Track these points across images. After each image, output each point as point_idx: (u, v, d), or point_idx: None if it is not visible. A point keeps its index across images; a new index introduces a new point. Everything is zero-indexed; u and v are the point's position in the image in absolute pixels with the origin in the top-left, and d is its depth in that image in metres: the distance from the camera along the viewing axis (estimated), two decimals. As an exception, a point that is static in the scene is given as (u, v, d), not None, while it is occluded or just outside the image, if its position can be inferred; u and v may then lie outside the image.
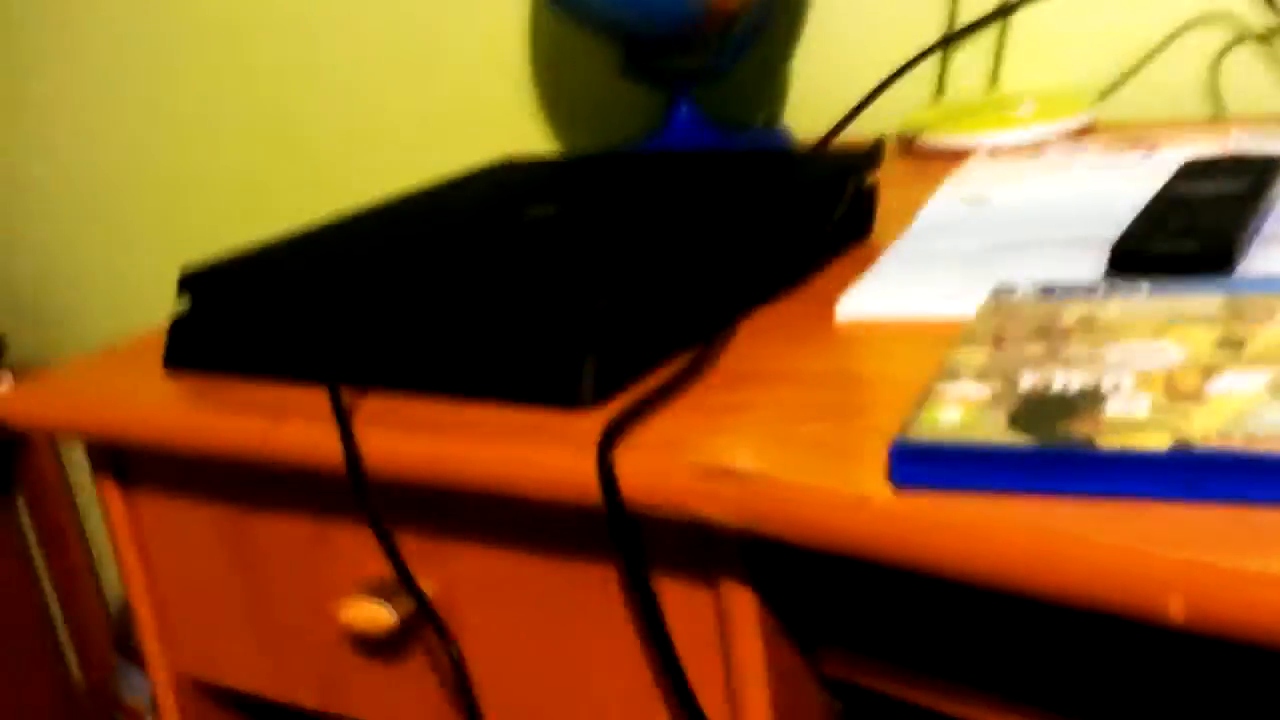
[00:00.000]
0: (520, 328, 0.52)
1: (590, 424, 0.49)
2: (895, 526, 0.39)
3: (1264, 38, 0.87)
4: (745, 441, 0.45)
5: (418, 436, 0.51)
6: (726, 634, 0.49)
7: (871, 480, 0.41)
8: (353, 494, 0.59)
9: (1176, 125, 0.84)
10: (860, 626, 0.51)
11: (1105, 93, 0.93)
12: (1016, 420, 0.41)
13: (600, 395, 0.51)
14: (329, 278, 0.60)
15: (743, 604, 0.48)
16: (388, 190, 1.31)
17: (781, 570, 0.50)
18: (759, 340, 0.56)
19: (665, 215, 0.61)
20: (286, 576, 0.64)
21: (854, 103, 0.82)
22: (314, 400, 0.57)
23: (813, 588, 0.51)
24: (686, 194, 0.64)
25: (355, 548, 0.61)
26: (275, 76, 1.34)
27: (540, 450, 0.48)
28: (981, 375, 0.44)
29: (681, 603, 0.50)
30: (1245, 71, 0.88)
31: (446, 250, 0.61)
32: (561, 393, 0.51)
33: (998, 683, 0.48)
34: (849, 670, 0.51)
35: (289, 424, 0.55)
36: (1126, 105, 0.93)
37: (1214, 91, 0.89)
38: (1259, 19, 0.86)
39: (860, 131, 1.00)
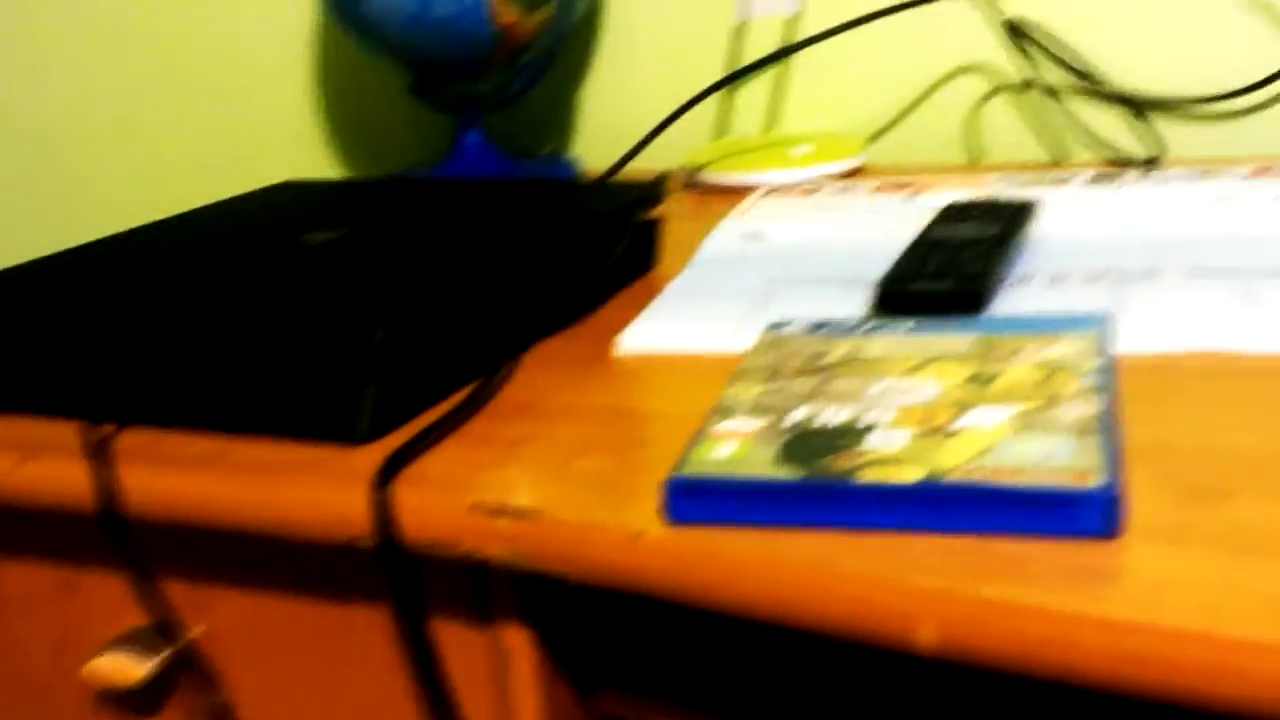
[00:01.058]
0: (295, 357, 0.51)
1: (367, 460, 0.48)
2: (668, 561, 0.40)
3: (1019, 89, 0.93)
4: (523, 478, 0.45)
5: (181, 474, 0.49)
6: (503, 675, 0.49)
7: (647, 516, 0.42)
8: (106, 537, 0.56)
9: (939, 170, 0.89)
10: (638, 667, 0.52)
11: (875, 137, 0.98)
12: (785, 455, 0.42)
13: (378, 430, 0.50)
14: (86, 302, 0.57)
15: (520, 644, 0.48)
16: (163, 216, 1.26)
17: (560, 610, 0.50)
18: (541, 373, 0.56)
19: (449, 244, 0.60)
20: (34, 629, 0.61)
21: (641, 136, 0.84)
22: (68, 435, 0.54)
23: (591, 628, 0.51)
24: (471, 222, 0.64)
25: (110, 596, 0.58)
26: (35, 94, 1.27)
27: (314, 487, 0.47)
28: (754, 410, 0.46)
29: (458, 643, 0.50)
30: (1002, 120, 0.93)
31: (217, 275, 0.59)
32: (338, 427, 0.50)
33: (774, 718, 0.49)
34: (626, 710, 0.52)
35: (37, 461, 0.52)
36: (895, 149, 0.97)
37: (974, 138, 0.95)
38: (1015, 70, 0.92)
39: (647, 165, 1.02)
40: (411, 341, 0.52)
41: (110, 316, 0.55)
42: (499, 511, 0.43)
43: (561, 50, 1.06)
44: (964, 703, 0.46)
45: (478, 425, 0.51)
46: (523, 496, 0.44)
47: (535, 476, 0.45)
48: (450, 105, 0.95)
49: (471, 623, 0.49)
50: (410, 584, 0.46)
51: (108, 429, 0.54)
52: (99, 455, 0.51)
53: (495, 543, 0.43)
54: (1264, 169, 0.78)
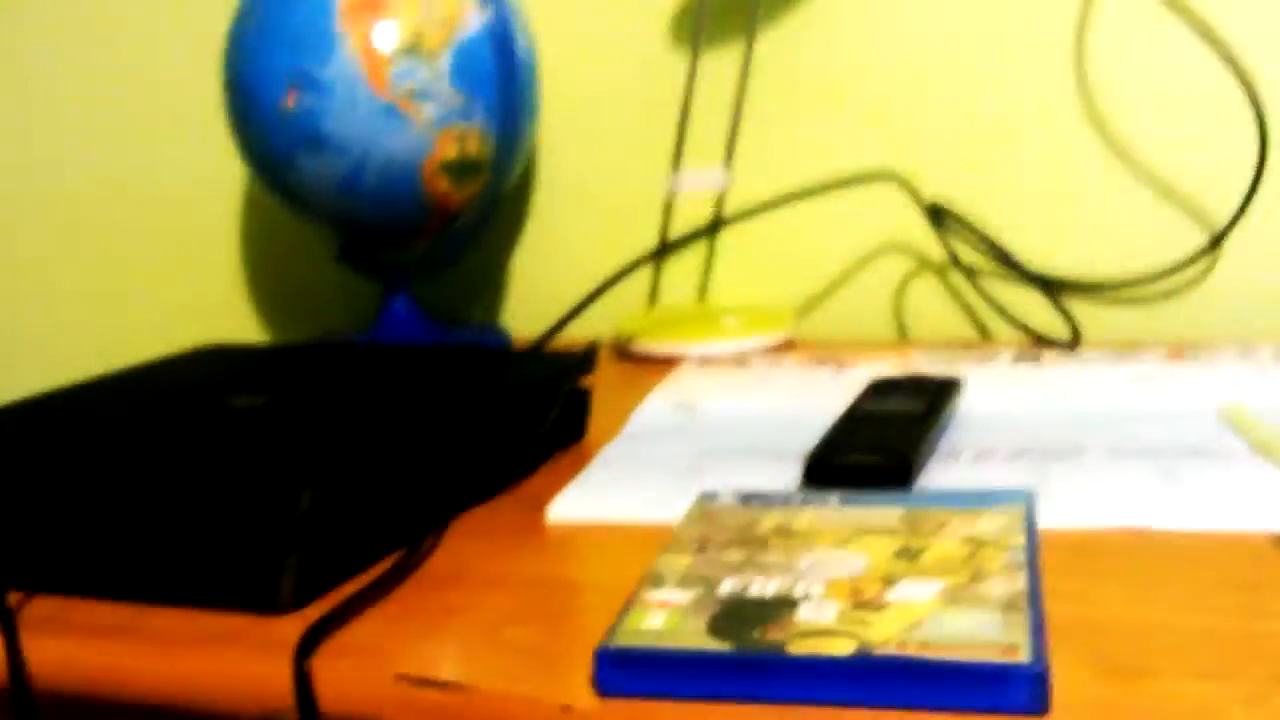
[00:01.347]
0: (215, 524, 0.50)
1: (288, 630, 0.47)
2: (595, 736, 0.39)
3: (941, 268, 0.96)
4: (449, 649, 0.44)
5: (92, 645, 0.48)
6: None
7: (576, 687, 0.41)
8: (15, 713, 0.54)
9: (867, 345, 0.91)
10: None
11: (804, 310, 1.00)
12: (715, 626, 0.42)
13: (300, 599, 0.49)
14: None
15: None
16: (82, 377, 1.24)
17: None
18: (469, 542, 0.56)
19: (375, 410, 0.60)
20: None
21: (572, 304, 0.85)
22: (-19, 601, 0.52)
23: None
24: (399, 389, 0.64)
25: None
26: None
27: (233, 659, 0.46)
28: (684, 581, 0.46)
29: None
30: (927, 297, 0.96)
31: (136, 438, 0.58)
32: (259, 596, 0.49)
33: None
34: None
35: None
36: (823, 323, 1.00)
37: (900, 314, 0.97)
38: (937, 251, 0.96)
39: (577, 335, 1.03)
40: (336, 508, 0.51)
41: (22, 478, 0.54)
42: (424, 683, 0.42)
43: (492, 218, 1.08)
44: None
45: (403, 595, 0.50)
46: (449, 668, 0.43)
47: (462, 647, 0.45)
48: (379, 271, 0.96)
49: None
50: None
51: (15, 597, 0.52)
52: (4, 625, 0.49)
53: (419, 716, 0.42)
54: (1179, 351, 0.81)
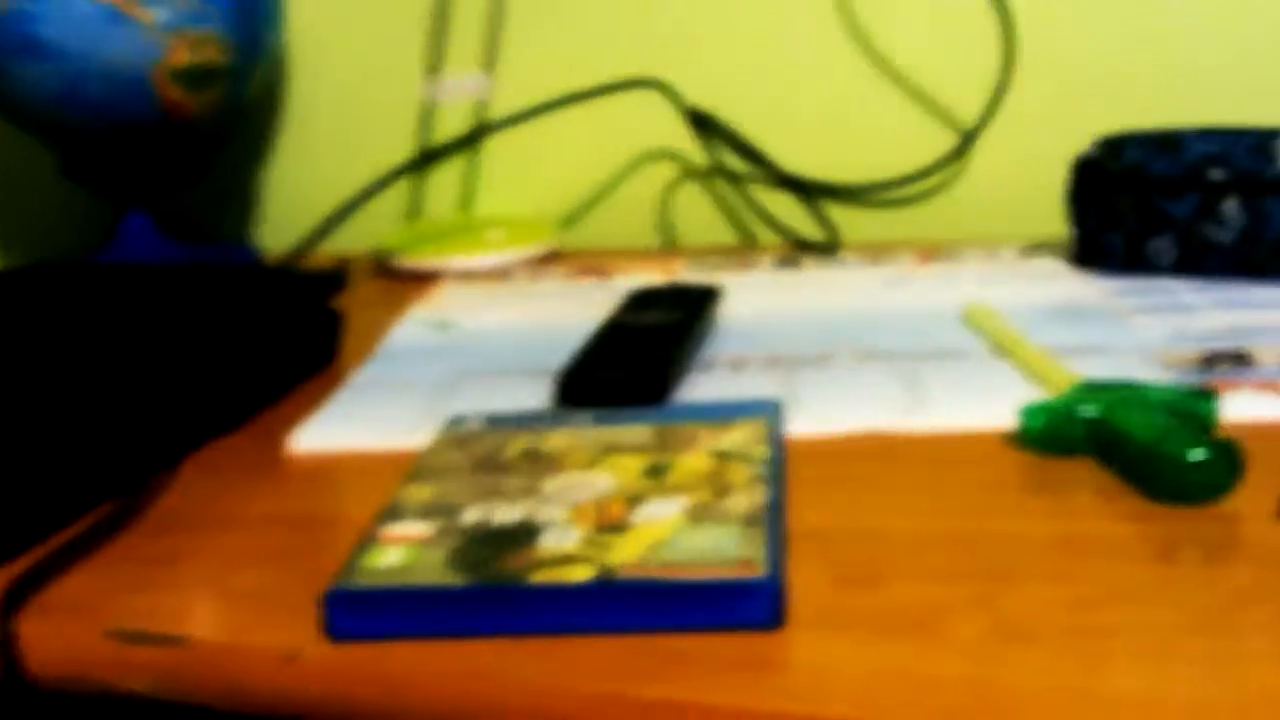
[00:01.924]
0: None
1: (-5, 586, 0.44)
2: (326, 683, 0.38)
3: (705, 175, 0.96)
4: (170, 600, 0.42)
5: None
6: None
7: (306, 634, 0.39)
8: None
9: (631, 254, 0.91)
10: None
11: (568, 221, 0.99)
12: (455, 559, 0.41)
13: (4, 553, 0.45)
14: None
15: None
16: None
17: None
18: (203, 480, 0.52)
19: (96, 338, 0.56)
20: None
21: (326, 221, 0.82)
22: None
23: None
24: (126, 314, 0.60)
25: None
26: None
27: (-71, 622, 0.42)
28: (425, 513, 0.44)
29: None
30: (692, 205, 0.96)
31: None
32: (-38, 551, 0.45)
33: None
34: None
35: None
36: (588, 234, 0.98)
37: (666, 223, 0.97)
38: (700, 157, 0.95)
39: (336, 252, 0.99)
40: (42, 451, 0.47)
41: None
42: (138, 638, 0.40)
43: (237, 130, 1.02)
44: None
45: (124, 543, 0.47)
46: (167, 621, 0.40)
47: (184, 597, 0.42)
48: (110, 188, 0.89)
49: (121, 759, 0.45)
50: (42, 723, 0.42)
51: None
52: None
53: (134, 674, 0.39)
54: (929, 254, 0.83)
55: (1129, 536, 0.42)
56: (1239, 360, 0.57)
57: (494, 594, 0.38)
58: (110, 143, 0.84)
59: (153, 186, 0.89)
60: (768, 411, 0.52)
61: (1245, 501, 0.43)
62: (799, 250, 0.88)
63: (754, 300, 0.74)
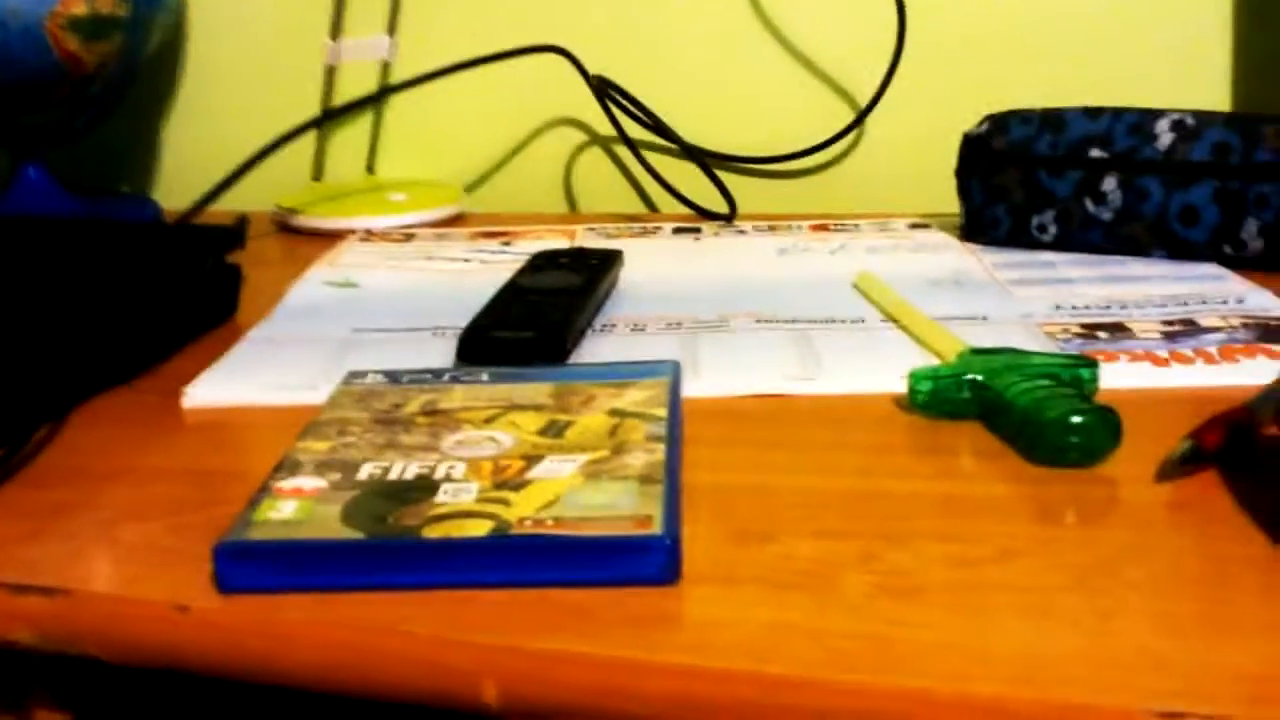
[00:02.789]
0: None
1: None
2: (215, 635, 0.37)
3: (608, 143, 0.96)
4: (57, 551, 0.41)
5: None
6: (43, 766, 0.44)
7: (197, 587, 0.39)
8: None
9: (534, 219, 0.91)
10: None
11: (473, 185, 0.98)
12: (350, 513, 0.40)
13: (-113, 503, 0.44)
14: None
15: (60, 731, 0.44)
16: None
17: (108, 689, 0.46)
18: (95, 432, 0.51)
19: (-14, 295, 0.55)
20: None
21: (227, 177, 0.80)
22: None
23: (147, 709, 0.47)
24: (19, 263, 0.58)
25: None
26: None
27: None
28: (321, 467, 0.44)
29: (-13, 736, 0.44)
30: (595, 172, 0.96)
31: None
32: None
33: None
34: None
35: None
36: (492, 198, 0.98)
37: (569, 189, 0.97)
38: (603, 125, 0.95)
39: (237, 210, 0.97)
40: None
41: None
42: (23, 590, 0.39)
43: (135, 82, 0.99)
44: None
45: (10, 495, 0.45)
46: (53, 572, 0.39)
47: (72, 549, 0.41)
48: (6, 139, 0.86)
49: (3, 713, 0.44)
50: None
51: None
52: None
53: (19, 625, 0.39)
54: (823, 224, 0.84)
55: (1012, 497, 0.43)
56: (1117, 331, 0.59)
57: (388, 548, 0.38)
58: (5, 93, 0.81)
59: (49, 138, 0.86)
60: (666, 372, 0.52)
61: (1122, 466, 0.45)
62: (698, 218, 0.88)
63: (654, 265, 0.75)
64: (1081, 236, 0.72)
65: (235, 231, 0.65)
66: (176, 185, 1.03)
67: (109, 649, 0.38)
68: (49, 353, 0.53)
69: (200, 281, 0.62)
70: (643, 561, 0.38)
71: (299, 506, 0.41)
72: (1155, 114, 0.71)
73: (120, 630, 0.38)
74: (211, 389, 0.55)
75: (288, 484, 0.43)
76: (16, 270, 0.58)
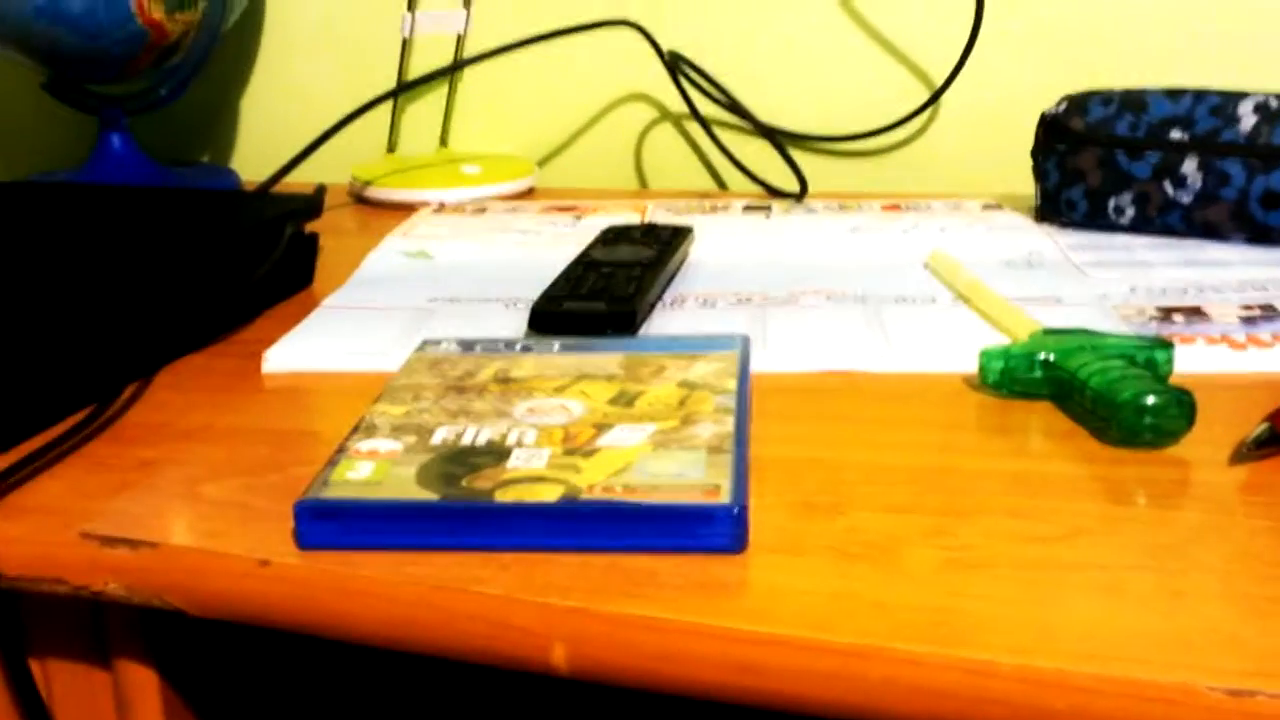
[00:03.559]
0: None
1: (-32, 488, 0.44)
2: (295, 590, 0.38)
3: (679, 119, 0.96)
4: (143, 505, 0.42)
5: None
6: (127, 717, 0.46)
7: (277, 543, 0.40)
8: None
9: (605, 194, 0.91)
10: (275, 702, 0.50)
11: (545, 160, 0.99)
12: (424, 475, 0.41)
13: (-19, 456, 0.46)
14: None
15: (143, 684, 0.45)
16: None
17: (189, 644, 0.47)
18: (178, 393, 0.53)
19: (79, 252, 0.56)
20: None
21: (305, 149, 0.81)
22: None
23: (226, 662, 0.49)
24: (107, 230, 0.60)
25: None
26: None
27: (-100, 520, 0.42)
28: (396, 430, 0.45)
29: (74, 683, 0.46)
30: (666, 148, 0.96)
31: None
32: (-66, 453, 0.45)
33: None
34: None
35: None
36: (564, 173, 0.99)
37: (640, 164, 0.97)
38: (674, 105, 0.95)
39: (312, 181, 0.99)
40: (16, 358, 0.48)
41: None
42: (112, 542, 0.40)
43: (216, 54, 1.01)
44: None
45: (98, 449, 0.47)
46: (140, 526, 0.41)
47: (157, 504, 0.43)
48: (91, 106, 0.88)
49: (89, 662, 0.46)
50: (9, 620, 0.42)
51: None
52: None
53: (107, 576, 0.40)
54: (894, 204, 0.84)
55: (1083, 477, 0.43)
56: (1193, 315, 0.58)
57: (462, 510, 0.39)
58: (90, 61, 0.83)
59: (132, 107, 0.88)
60: (736, 345, 0.52)
61: (1196, 448, 0.45)
62: (769, 196, 0.88)
63: (724, 242, 0.75)
64: (1160, 220, 0.71)
65: (313, 201, 0.67)
66: (255, 156, 1.04)
67: (192, 601, 0.40)
68: (136, 315, 0.54)
69: (278, 248, 0.63)
70: (710, 530, 0.39)
71: (375, 468, 0.42)
72: (1238, 96, 0.69)
73: (203, 583, 0.39)
74: (289, 353, 0.57)
75: (364, 446, 0.43)
76: (104, 237, 0.59)
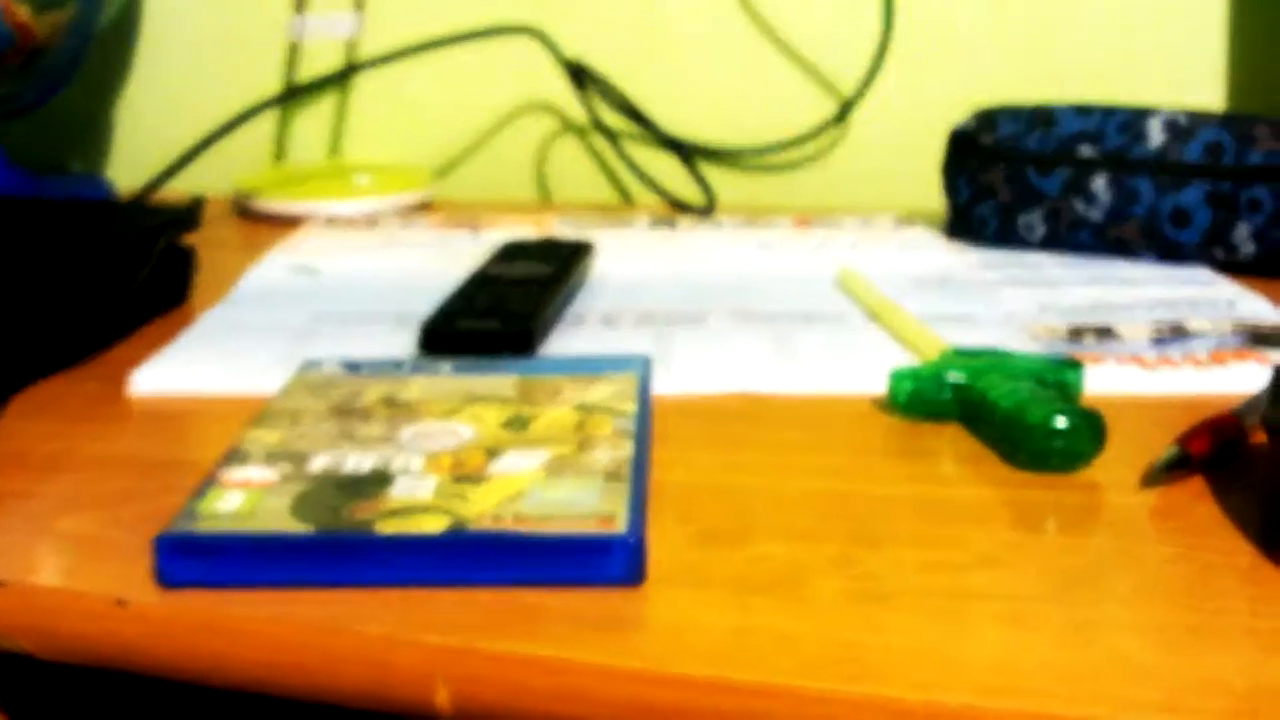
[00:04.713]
0: None
1: None
2: (155, 631, 0.35)
3: (583, 130, 0.94)
4: (-10, 540, 0.39)
5: None
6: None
7: (137, 580, 0.37)
8: None
9: (505, 207, 0.89)
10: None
11: (442, 171, 0.96)
12: (300, 506, 0.38)
13: None
14: None
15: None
16: None
17: (41, 689, 0.44)
18: (35, 419, 0.49)
19: (-72, 271, 0.52)
20: None
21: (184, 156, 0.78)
22: None
23: (80, 701, 0.45)
24: (-38, 248, 0.56)
25: None
26: None
27: None
28: (271, 458, 0.42)
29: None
30: (569, 160, 0.94)
31: None
32: None
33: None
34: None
35: None
36: (462, 185, 0.96)
37: (542, 177, 0.95)
38: (578, 112, 0.93)
39: (193, 191, 0.95)
40: None
41: None
42: (-49, 582, 0.37)
43: (88, 57, 0.97)
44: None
45: (-57, 480, 0.43)
46: (-16, 563, 0.37)
47: (7, 540, 0.39)
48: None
49: (-69, 713, 0.42)
50: None
51: None
52: None
53: (-53, 619, 0.37)
54: (805, 219, 0.82)
55: (992, 502, 0.41)
56: (1104, 334, 0.57)
57: (339, 543, 0.36)
58: (-50, 62, 0.78)
59: (-3, 111, 0.84)
60: (636, 367, 0.50)
61: (1107, 471, 0.44)
62: (675, 210, 0.86)
63: (628, 258, 0.73)
64: (1070, 237, 0.71)
65: (189, 212, 0.63)
66: (131, 164, 1.00)
67: (44, 645, 0.36)
68: (-8, 333, 0.50)
69: (151, 264, 0.60)
70: (605, 561, 0.36)
71: (247, 498, 0.39)
72: (1147, 112, 0.69)
73: (56, 625, 0.36)
74: (159, 375, 0.53)
75: (235, 475, 0.40)
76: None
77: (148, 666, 0.36)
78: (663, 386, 0.52)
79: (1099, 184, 0.69)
